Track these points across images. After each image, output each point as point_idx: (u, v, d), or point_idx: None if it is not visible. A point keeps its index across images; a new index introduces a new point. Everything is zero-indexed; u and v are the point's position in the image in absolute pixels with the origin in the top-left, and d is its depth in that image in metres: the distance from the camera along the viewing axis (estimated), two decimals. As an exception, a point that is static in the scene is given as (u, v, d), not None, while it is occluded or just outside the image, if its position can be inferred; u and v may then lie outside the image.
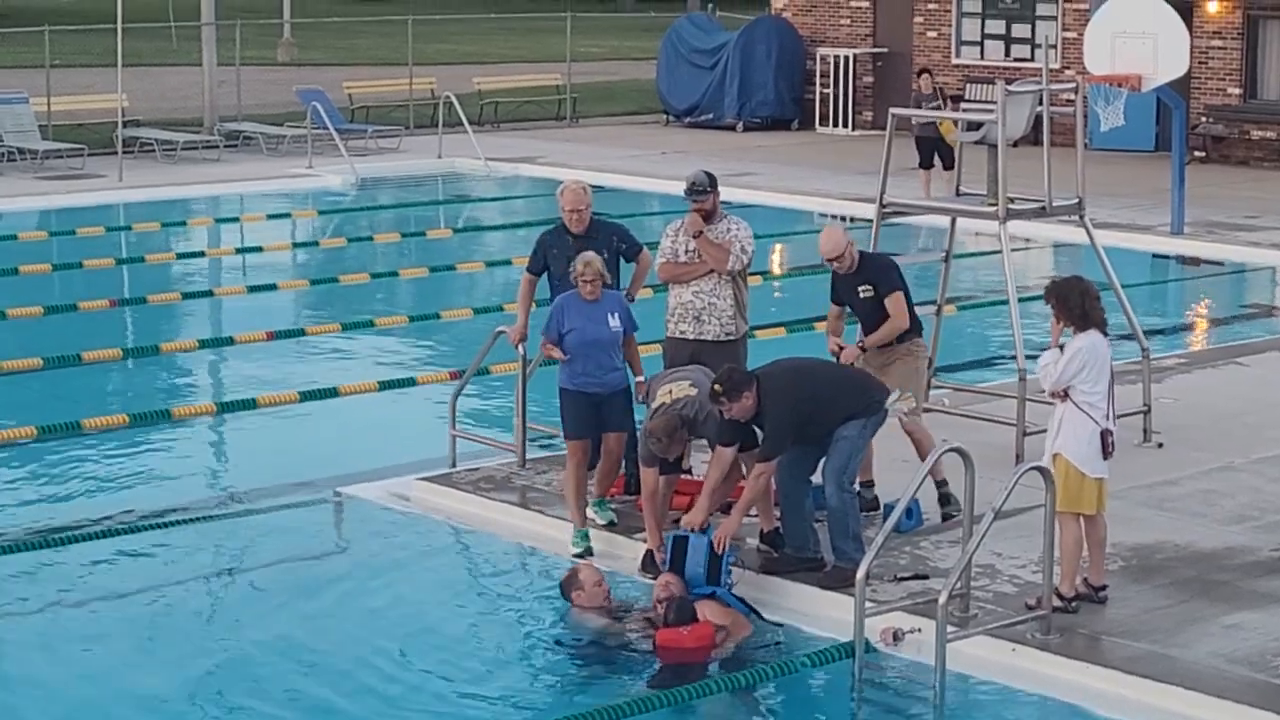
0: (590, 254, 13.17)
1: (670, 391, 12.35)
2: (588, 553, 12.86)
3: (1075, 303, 11.68)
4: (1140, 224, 26.72)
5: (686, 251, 13.57)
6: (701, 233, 13.49)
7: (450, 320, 21.46)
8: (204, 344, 20.24)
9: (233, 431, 17.00)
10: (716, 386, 11.91)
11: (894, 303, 13.27)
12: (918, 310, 13.73)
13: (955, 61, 37.28)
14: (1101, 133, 24.85)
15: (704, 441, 12.61)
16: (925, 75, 28.55)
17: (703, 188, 13.54)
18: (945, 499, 13.19)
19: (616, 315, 13.09)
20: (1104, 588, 11.74)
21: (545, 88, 42.71)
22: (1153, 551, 12.69)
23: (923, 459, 12.69)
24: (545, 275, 13.96)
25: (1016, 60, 36.40)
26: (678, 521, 12.40)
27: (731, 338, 13.54)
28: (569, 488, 13.12)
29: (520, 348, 14.27)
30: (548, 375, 14.96)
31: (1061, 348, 11.57)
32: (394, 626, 11.88)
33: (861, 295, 13.36)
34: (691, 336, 13.53)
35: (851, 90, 38.54)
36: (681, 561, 11.89)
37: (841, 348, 13.44)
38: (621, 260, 13.93)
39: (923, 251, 23.45)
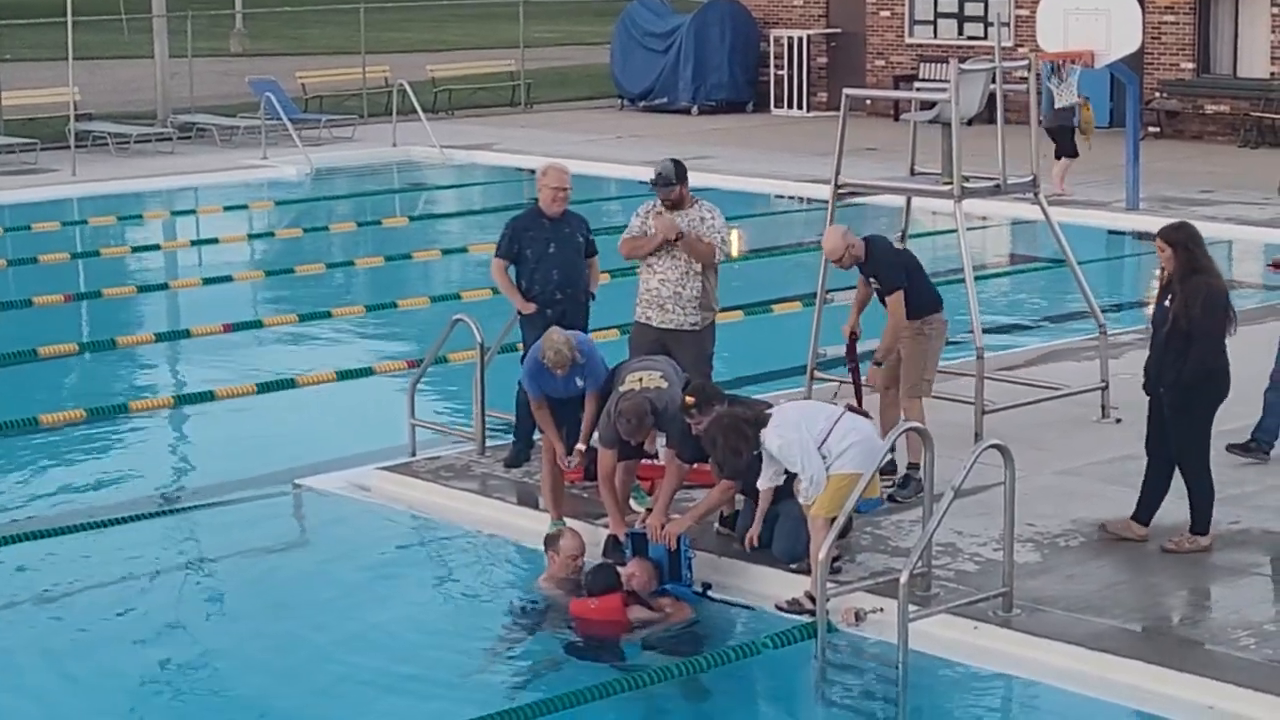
0: (557, 340, 12.52)
1: (640, 379, 12.28)
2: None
3: (733, 436, 11.51)
4: (1095, 200, 26.77)
5: (649, 234, 13.47)
6: (681, 235, 13.23)
7: (407, 309, 21.41)
8: (160, 337, 20.16)
9: (191, 424, 16.94)
10: (688, 399, 11.82)
11: (892, 303, 13.12)
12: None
13: (909, 41, 37.33)
14: (1055, 110, 24.87)
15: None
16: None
17: (668, 180, 13.29)
18: (904, 481, 13.16)
19: (580, 380, 12.64)
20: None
21: (499, 74, 42.64)
22: (1113, 527, 12.69)
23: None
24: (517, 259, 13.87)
25: (970, 39, 36.46)
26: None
27: (696, 328, 13.45)
28: (545, 482, 13.00)
29: (477, 332, 14.22)
30: (506, 362, 14.94)
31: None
32: (353, 617, 11.84)
33: (873, 285, 13.39)
34: (656, 324, 13.45)
35: (806, 72, 38.55)
36: (645, 554, 11.89)
37: (854, 335, 13.55)
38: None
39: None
